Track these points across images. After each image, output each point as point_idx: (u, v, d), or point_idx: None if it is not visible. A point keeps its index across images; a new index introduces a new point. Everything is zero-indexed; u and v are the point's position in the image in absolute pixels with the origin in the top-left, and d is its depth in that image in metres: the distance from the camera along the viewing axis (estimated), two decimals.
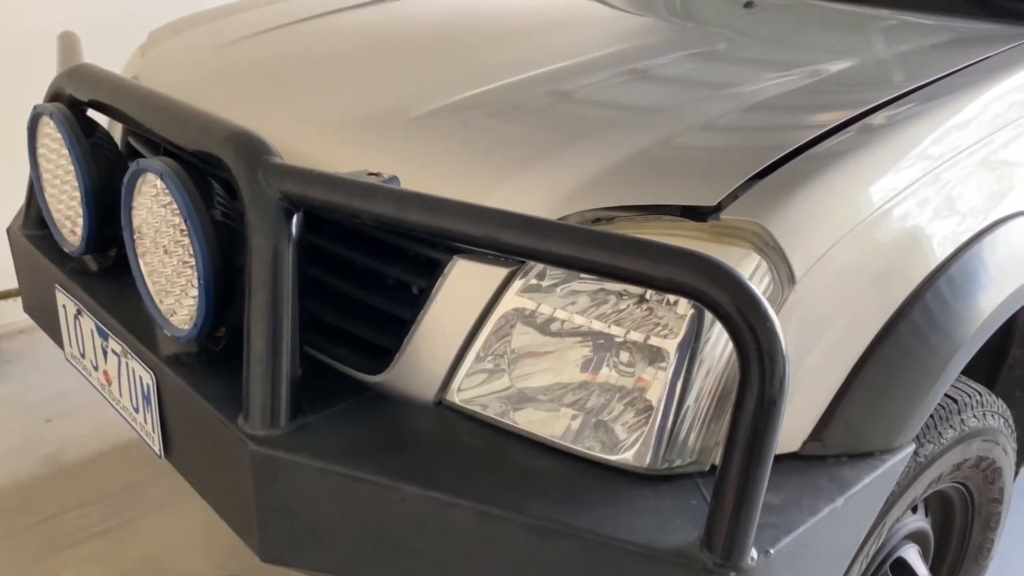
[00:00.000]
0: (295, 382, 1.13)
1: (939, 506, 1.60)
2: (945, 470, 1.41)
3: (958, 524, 1.64)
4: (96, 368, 1.48)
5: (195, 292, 1.21)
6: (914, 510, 1.51)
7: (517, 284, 1.12)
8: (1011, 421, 1.53)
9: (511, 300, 1.12)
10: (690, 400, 1.04)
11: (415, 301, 1.19)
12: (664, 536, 0.97)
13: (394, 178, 1.17)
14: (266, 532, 1.14)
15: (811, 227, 1.09)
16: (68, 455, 2.40)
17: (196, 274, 1.19)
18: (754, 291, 0.87)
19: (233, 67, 1.70)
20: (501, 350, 1.12)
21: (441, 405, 1.16)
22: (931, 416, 1.32)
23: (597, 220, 1.13)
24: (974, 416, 1.40)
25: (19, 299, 2.39)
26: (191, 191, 1.18)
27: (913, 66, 1.49)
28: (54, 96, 1.49)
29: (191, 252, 1.19)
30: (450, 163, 1.26)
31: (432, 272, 1.18)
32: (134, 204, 1.28)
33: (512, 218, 0.97)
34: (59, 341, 1.61)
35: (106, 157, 1.45)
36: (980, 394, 1.43)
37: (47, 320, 1.65)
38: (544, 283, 1.11)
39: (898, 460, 1.14)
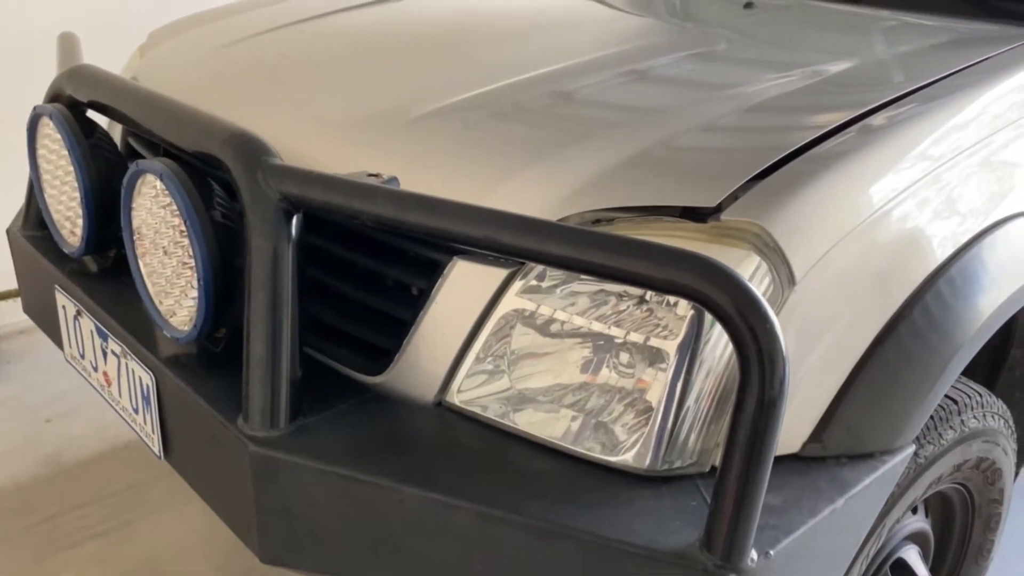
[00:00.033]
0: (295, 383, 1.13)
1: (939, 507, 1.60)
2: (945, 471, 1.41)
3: (958, 525, 1.64)
4: (96, 369, 1.48)
5: (195, 293, 1.20)
6: (914, 511, 1.50)
7: (517, 285, 1.12)
8: (1011, 422, 1.52)
9: (511, 301, 1.12)
10: (690, 401, 1.04)
11: (415, 302, 1.19)
12: (664, 537, 0.97)
13: (394, 179, 1.17)
14: (266, 533, 1.14)
15: (811, 228, 1.09)
16: (68, 456, 2.40)
17: (196, 275, 1.19)
18: (754, 292, 0.87)
19: (233, 68, 1.70)
20: (501, 351, 1.12)
21: (441, 406, 1.16)
22: (931, 417, 1.32)
23: (597, 221, 1.13)
24: (974, 417, 1.40)
25: (19, 300, 2.39)
26: (191, 192, 1.18)
27: (913, 67, 1.49)
28: (54, 97, 1.49)
29: (191, 253, 1.19)
30: (450, 164, 1.26)
31: (432, 273, 1.18)
32: (134, 205, 1.28)
33: (512, 219, 0.97)
34: (59, 342, 1.61)
35: (106, 158, 1.45)
36: (980, 395, 1.43)
37: (47, 321, 1.65)
38: (544, 284, 1.11)
39: (898, 461, 1.14)
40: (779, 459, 1.03)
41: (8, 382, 2.73)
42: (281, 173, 1.11)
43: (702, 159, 1.21)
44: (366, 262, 1.25)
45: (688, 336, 1.03)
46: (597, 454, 1.06)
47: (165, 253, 1.25)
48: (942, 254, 1.20)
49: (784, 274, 1.06)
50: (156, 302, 1.29)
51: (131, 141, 1.69)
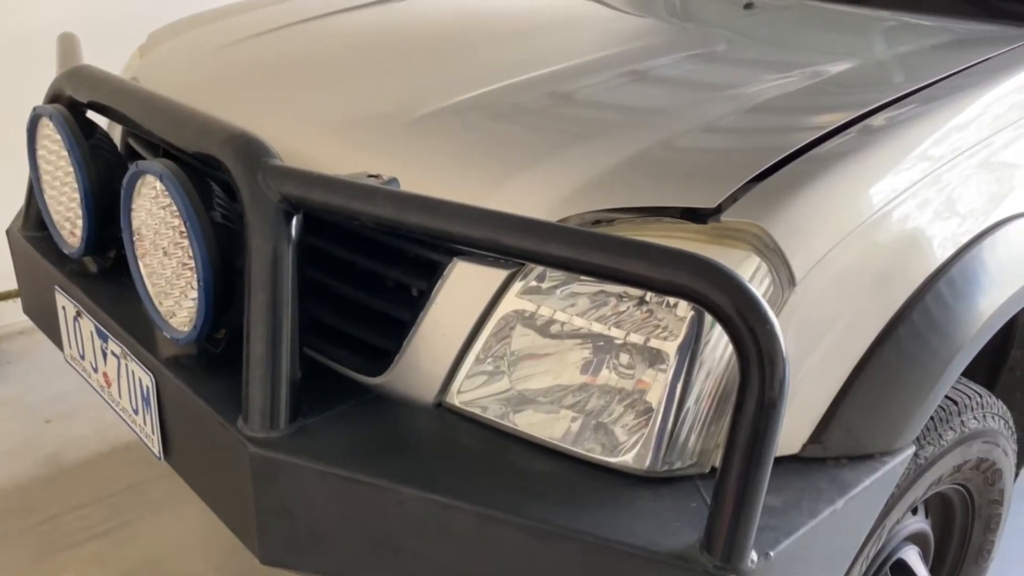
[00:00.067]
0: (295, 384, 1.13)
1: (939, 508, 1.60)
2: (945, 472, 1.41)
3: (958, 526, 1.64)
4: (96, 370, 1.48)
5: (194, 294, 1.20)
6: (914, 512, 1.50)
7: (517, 286, 1.12)
8: (1011, 423, 1.52)
9: (511, 302, 1.12)
10: (690, 402, 1.04)
11: (415, 303, 1.19)
12: (664, 538, 0.97)
13: (394, 180, 1.17)
14: (266, 534, 1.14)
15: (811, 229, 1.09)
16: (68, 456, 2.40)
17: (195, 276, 1.19)
18: (754, 293, 0.87)
19: (233, 68, 1.70)
20: (501, 352, 1.12)
21: (441, 407, 1.16)
22: (931, 418, 1.32)
23: (597, 222, 1.13)
24: (974, 418, 1.40)
25: (19, 300, 2.39)
26: (190, 193, 1.18)
27: (913, 67, 1.49)
28: (54, 97, 1.49)
29: (190, 254, 1.19)
30: (450, 165, 1.26)
31: (432, 274, 1.18)
32: (133, 206, 1.28)
33: (512, 220, 0.97)
34: (59, 343, 1.61)
35: (105, 159, 1.45)
36: (980, 396, 1.43)
37: (47, 322, 1.65)
38: (544, 285, 1.11)
39: (898, 462, 1.14)
40: (779, 460, 1.03)
41: (8, 383, 2.73)
42: (281, 174, 1.11)
43: (702, 160, 1.21)
44: (366, 263, 1.25)
45: (688, 337, 1.03)
46: (597, 455, 1.06)
47: (165, 254, 1.25)
48: (942, 255, 1.20)
49: (784, 275, 1.06)
50: (156, 303, 1.29)
51: (131, 142, 1.69)
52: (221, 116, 1.23)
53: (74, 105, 1.45)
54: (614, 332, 1.07)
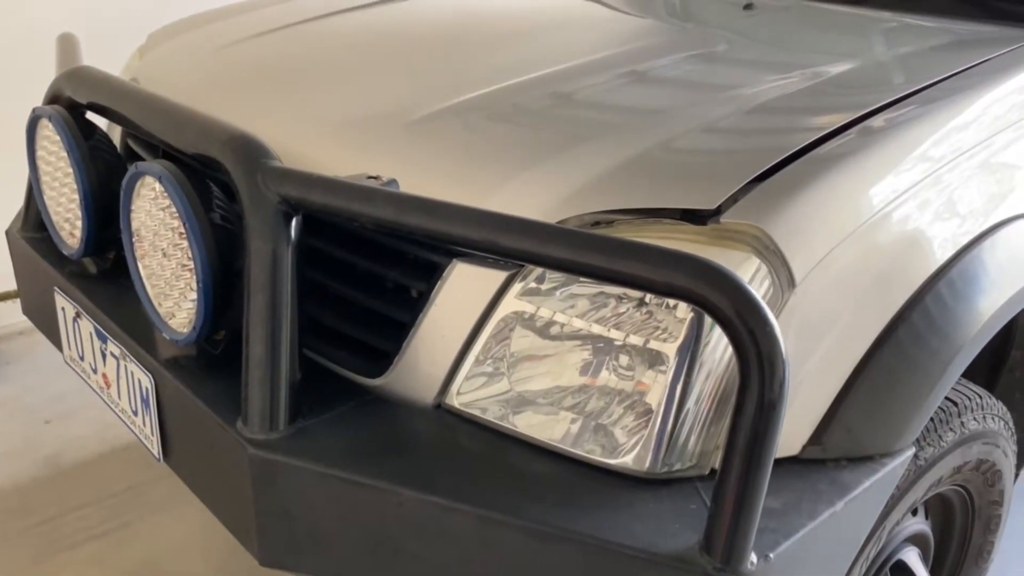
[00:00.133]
0: (294, 385, 1.13)
1: (939, 509, 1.60)
2: (945, 473, 1.40)
3: (958, 527, 1.64)
4: (95, 371, 1.48)
5: (194, 295, 1.20)
6: (914, 513, 1.50)
7: (516, 287, 1.12)
8: (1011, 424, 1.52)
9: (510, 303, 1.12)
10: (690, 404, 1.04)
11: (414, 304, 1.19)
12: (663, 540, 0.97)
13: (393, 181, 1.17)
14: (265, 536, 1.14)
15: (811, 230, 1.09)
16: (67, 457, 2.40)
17: (195, 277, 1.19)
18: (753, 295, 0.87)
19: (232, 69, 1.70)
20: (500, 353, 1.12)
21: (440, 408, 1.16)
22: (931, 419, 1.32)
23: (596, 223, 1.13)
24: (974, 419, 1.40)
25: (18, 301, 2.39)
26: (190, 194, 1.18)
27: (913, 68, 1.49)
28: (53, 98, 1.49)
29: (190, 255, 1.19)
30: (449, 166, 1.26)
31: (431, 275, 1.18)
32: (133, 207, 1.28)
33: (511, 222, 0.97)
34: (58, 343, 1.61)
35: (105, 160, 1.45)
36: (980, 397, 1.43)
37: (46, 322, 1.65)
38: (543, 287, 1.11)
39: (898, 463, 1.14)
40: (779, 462, 1.03)
41: (7, 383, 2.73)
42: (280, 175, 1.11)
43: (702, 161, 1.21)
44: (365, 264, 1.25)
45: (688, 339, 1.03)
46: (597, 456, 1.06)
47: (164, 255, 1.25)
48: (942, 256, 1.20)
49: (784, 276, 1.06)
50: (155, 304, 1.29)
51: (130, 143, 1.69)
52: (221, 117, 1.23)
53: (73, 106, 1.45)
54: (614, 334, 1.06)
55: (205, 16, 2.06)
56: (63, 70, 1.51)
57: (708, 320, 1.03)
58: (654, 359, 1.04)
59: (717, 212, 1.08)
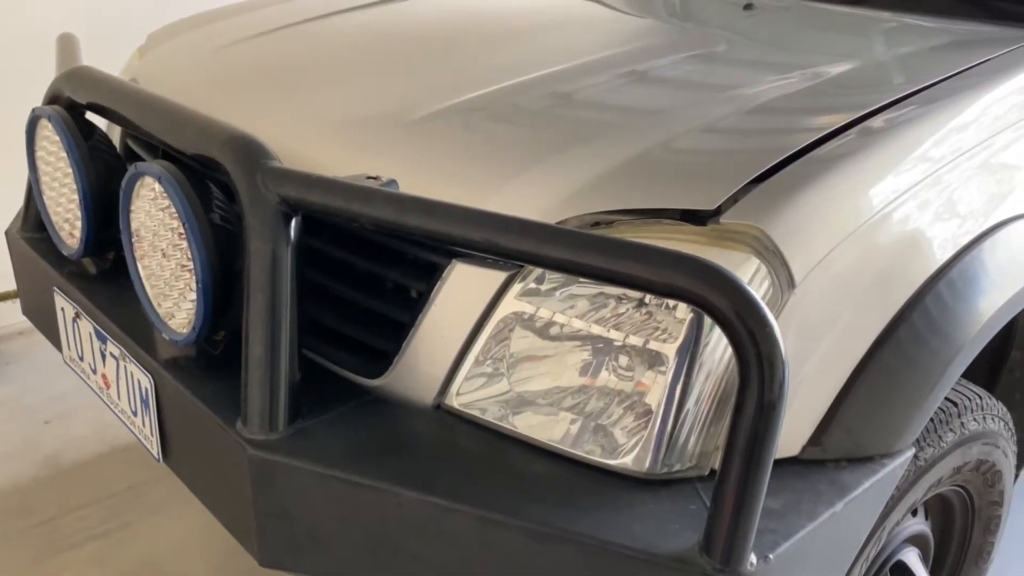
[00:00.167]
0: (294, 386, 1.13)
1: (939, 509, 1.60)
2: (945, 473, 1.40)
3: (958, 527, 1.64)
4: (94, 371, 1.48)
5: (193, 296, 1.20)
6: (914, 513, 1.50)
7: (516, 288, 1.12)
8: (1011, 424, 1.52)
9: (510, 304, 1.12)
10: (689, 404, 1.03)
11: (414, 305, 1.19)
12: (663, 541, 0.97)
13: (393, 182, 1.17)
14: (265, 536, 1.14)
15: (811, 231, 1.09)
16: (67, 457, 2.40)
17: (194, 278, 1.19)
18: (753, 296, 0.87)
19: (232, 69, 1.70)
20: (500, 354, 1.12)
21: (440, 409, 1.16)
22: (931, 420, 1.32)
23: (596, 224, 1.13)
24: (974, 419, 1.40)
25: (18, 301, 2.39)
26: (189, 195, 1.18)
27: (913, 69, 1.49)
28: (53, 98, 1.49)
29: (189, 256, 1.19)
30: (449, 166, 1.26)
31: (431, 276, 1.18)
32: (132, 207, 1.28)
33: (511, 222, 0.97)
34: (57, 344, 1.61)
35: (105, 160, 1.45)
36: (980, 397, 1.43)
37: (45, 323, 1.65)
38: (543, 287, 1.11)
39: (898, 464, 1.14)
40: (778, 462, 1.03)
41: (7, 383, 2.73)
42: (280, 176, 1.11)
43: (702, 161, 1.21)
44: (365, 265, 1.25)
45: (687, 339, 1.03)
46: (596, 457, 1.06)
47: (164, 255, 1.24)
48: (942, 256, 1.19)
49: (784, 277, 1.06)
50: (155, 304, 1.29)
51: (130, 143, 1.69)
52: (220, 117, 1.23)
53: (73, 106, 1.45)
54: (613, 334, 1.06)
55: (205, 16, 2.06)
56: (63, 70, 1.51)
57: (708, 321, 1.03)
58: (654, 360, 1.04)
59: (717, 212, 1.08)
